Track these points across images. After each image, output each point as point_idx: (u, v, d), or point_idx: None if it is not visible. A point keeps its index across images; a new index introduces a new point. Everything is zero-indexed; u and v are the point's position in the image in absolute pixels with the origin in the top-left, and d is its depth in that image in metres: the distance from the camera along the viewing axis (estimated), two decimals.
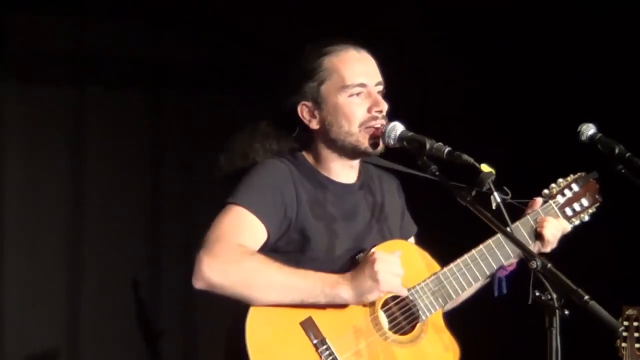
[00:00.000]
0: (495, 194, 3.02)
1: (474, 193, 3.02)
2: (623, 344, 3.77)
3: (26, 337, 5.08)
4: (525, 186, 3.40)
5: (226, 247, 3.08)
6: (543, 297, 2.80)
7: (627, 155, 3.49)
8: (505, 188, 3.10)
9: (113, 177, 5.32)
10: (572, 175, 3.57)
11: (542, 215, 3.45)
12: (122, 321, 5.29)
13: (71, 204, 5.21)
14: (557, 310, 2.77)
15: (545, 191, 3.53)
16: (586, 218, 3.56)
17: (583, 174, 3.58)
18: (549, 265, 2.82)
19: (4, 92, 5.05)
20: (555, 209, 3.50)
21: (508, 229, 3.03)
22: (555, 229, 3.41)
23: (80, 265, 5.21)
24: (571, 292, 2.74)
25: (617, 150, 3.50)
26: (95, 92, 5.25)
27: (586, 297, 2.72)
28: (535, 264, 2.82)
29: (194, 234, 5.21)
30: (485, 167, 3.04)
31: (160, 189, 5.47)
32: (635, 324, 3.77)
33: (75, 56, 5.22)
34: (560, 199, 3.52)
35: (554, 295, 2.77)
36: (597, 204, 3.57)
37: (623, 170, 3.48)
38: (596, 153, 3.53)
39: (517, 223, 3.39)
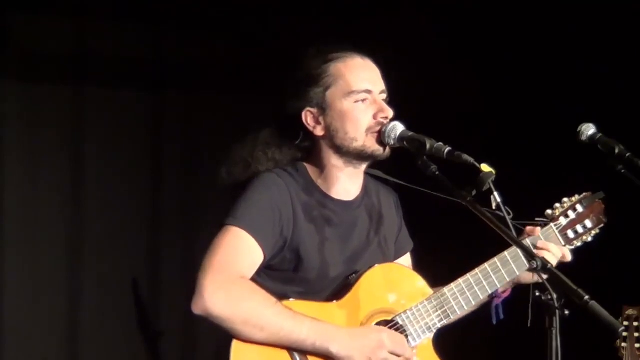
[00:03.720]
0: (495, 193, 3.01)
1: (474, 193, 3.01)
2: (623, 344, 3.78)
3: (26, 337, 5.07)
4: (526, 184, 3.39)
5: (229, 280, 3.08)
6: (543, 297, 2.79)
7: (627, 155, 3.48)
8: (507, 208, 3.05)
9: (113, 177, 5.32)
10: (577, 196, 3.49)
11: (542, 239, 3.37)
12: (122, 321, 5.29)
13: (71, 203, 5.21)
14: (557, 310, 2.76)
15: (548, 212, 3.45)
16: (589, 239, 3.48)
17: (589, 194, 3.50)
18: (549, 265, 2.82)
19: (4, 92, 5.05)
20: (556, 232, 3.42)
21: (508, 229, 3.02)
22: (554, 256, 3.32)
23: (80, 265, 5.21)
24: (571, 292, 2.74)
25: (617, 150, 3.48)
26: (95, 92, 5.25)
27: (586, 297, 2.71)
28: (536, 264, 2.82)
29: (194, 234, 5.26)
30: (485, 167, 3.03)
31: (160, 189, 5.46)
32: (635, 324, 3.78)
33: (75, 56, 5.22)
34: (562, 221, 3.43)
35: (554, 295, 2.77)
36: (602, 225, 3.49)
37: (623, 170, 3.47)
38: (596, 153, 3.52)
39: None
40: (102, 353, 5.25)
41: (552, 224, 3.43)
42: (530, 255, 2.88)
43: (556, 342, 2.76)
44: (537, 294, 2.80)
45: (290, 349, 3.11)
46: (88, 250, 5.24)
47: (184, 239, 5.38)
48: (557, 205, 3.48)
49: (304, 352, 3.12)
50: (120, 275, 5.30)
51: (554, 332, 2.77)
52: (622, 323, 3.71)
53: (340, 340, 3.12)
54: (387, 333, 3.17)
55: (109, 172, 5.31)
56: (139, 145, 5.42)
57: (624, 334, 3.76)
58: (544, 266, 2.81)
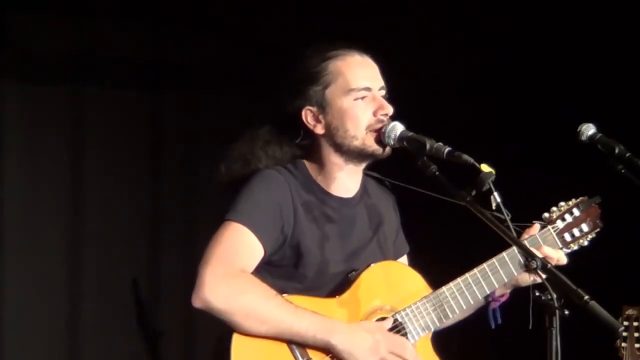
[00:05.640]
0: (495, 194, 3.01)
1: (473, 193, 3.01)
2: (623, 344, 3.78)
3: (26, 337, 5.07)
4: (526, 184, 3.39)
5: (230, 273, 3.08)
6: (543, 297, 2.79)
7: (627, 155, 3.48)
8: (505, 210, 3.05)
9: (113, 177, 5.32)
10: (573, 200, 3.50)
11: (540, 241, 3.39)
12: (122, 321, 5.29)
13: (71, 204, 5.21)
14: (557, 310, 2.76)
15: (546, 215, 3.46)
16: (585, 243, 3.49)
17: (585, 198, 3.51)
18: (549, 265, 2.82)
19: (4, 92, 5.05)
20: (554, 234, 3.43)
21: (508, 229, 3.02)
22: (551, 259, 3.33)
23: (80, 266, 5.21)
24: (571, 292, 2.74)
25: (617, 150, 3.49)
26: (95, 92, 5.25)
27: (586, 297, 2.72)
28: (535, 264, 2.82)
29: (194, 234, 5.26)
30: (485, 167, 3.03)
31: (160, 189, 5.46)
32: (635, 324, 3.78)
33: (74, 56, 5.21)
34: (559, 224, 3.44)
35: (554, 295, 2.77)
36: (598, 230, 3.50)
37: (623, 171, 3.48)
38: (596, 153, 3.53)
39: (514, 247, 3.30)
40: (102, 353, 5.24)
41: (549, 227, 3.44)
42: (530, 255, 2.87)
43: (556, 342, 2.76)
44: (537, 293, 2.80)
45: (291, 342, 3.11)
46: (88, 251, 5.24)
47: (184, 239, 5.38)
48: (554, 208, 3.48)
49: (304, 345, 3.11)
50: (120, 275, 5.30)
51: (553, 332, 2.77)
52: (622, 323, 3.71)
53: (340, 333, 3.12)
54: (385, 335, 3.16)
55: (109, 172, 5.31)
56: (139, 145, 5.42)
57: (624, 334, 3.76)
58: (544, 266, 2.81)
